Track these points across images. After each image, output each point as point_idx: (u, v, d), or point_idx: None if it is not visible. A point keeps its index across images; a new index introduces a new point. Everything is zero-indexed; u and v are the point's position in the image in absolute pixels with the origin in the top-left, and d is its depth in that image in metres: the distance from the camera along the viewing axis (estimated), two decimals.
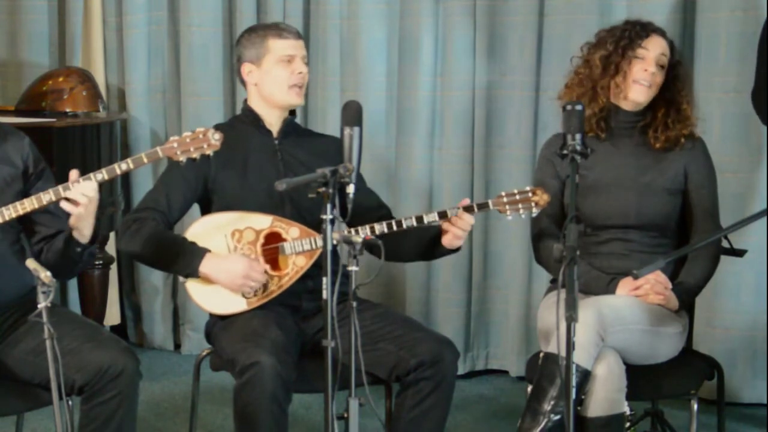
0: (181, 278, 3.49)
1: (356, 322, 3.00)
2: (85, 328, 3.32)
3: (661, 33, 3.61)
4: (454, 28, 4.85)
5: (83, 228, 3.21)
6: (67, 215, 3.17)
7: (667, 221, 3.59)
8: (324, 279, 2.93)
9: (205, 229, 3.49)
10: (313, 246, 3.45)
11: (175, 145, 3.17)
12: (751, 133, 4.47)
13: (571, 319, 2.88)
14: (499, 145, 4.92)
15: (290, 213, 3.53)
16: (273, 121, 3.65)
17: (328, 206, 2.94)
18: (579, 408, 3.29)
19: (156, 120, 5.33)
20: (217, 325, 3.51)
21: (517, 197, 3.44)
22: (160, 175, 3.66)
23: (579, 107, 3.16)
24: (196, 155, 3.17)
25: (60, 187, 3.14)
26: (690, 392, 3.50)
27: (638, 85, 3.55)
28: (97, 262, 4.86)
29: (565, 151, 3.15)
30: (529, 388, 3.44)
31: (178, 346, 5.41)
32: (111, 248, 4.96)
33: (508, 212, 3.45)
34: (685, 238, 3.63)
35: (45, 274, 2.85)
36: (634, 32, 3.58)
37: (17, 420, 3.59)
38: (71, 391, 3.17)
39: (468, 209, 3.44)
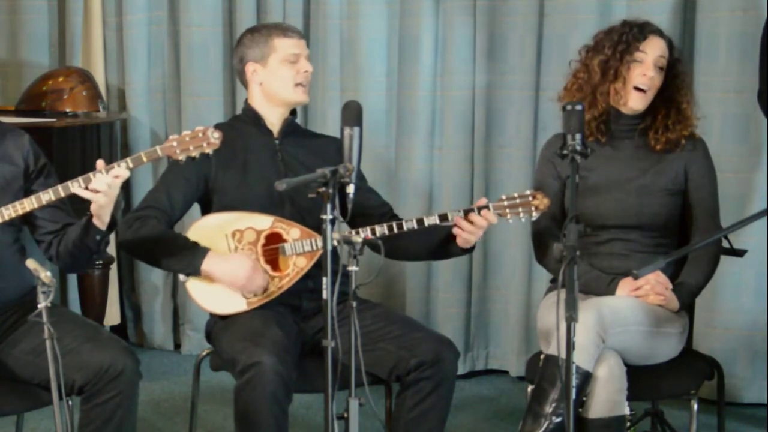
0: (181, 278, 3.49)
1: (356, 322, 3.00)
2: (85, 328, 3.32)
3: (659, 33, 3.60)
4: (454, 28, 4.85)
5: (103, 215, 3.21)
6: (86, 204, 3.18)
7: (667, 221, 3.59)
8: (324, 279, 2.93)
9: (206, 229, 3.49)
10: (314, 247, 3.45)
11: (175, 144, 3.16)
12: (751, 133, 4.47)
13: (571, 319, 2.88)
14: (499, 145, 4.92)
15: (290, 213, 3.53)
16: (274, 121, 3.65)
17: (328, 206, 2.94)
18: (580, 409, 3.29)
19: (156, 120, 5.33)
20: (218, 324, 3.51)
21: (518, 201, 3.44)
22: (160, 174, 3.66)
23: (579, 107, 3.17)
24: (195, 154, 3.17)
25: (80, 179, 3.14)
26: (690, 392, 3.50)
27: (637, 92, 3.54)
28: (97, 262, 4.86)
29: (565, 151, 3.15)
30: (529, 389, 3.45)
31: (178, 346, 5.41)
32: (111, 248, 4.96)
33: (509, 216, 3.45)
34: (686, 239, 3.63)
35: (45, 274, 2.85)
36: (632, 35, 3.56)
37: (17, 420, 3.59)
38: (71, 391, 3.17)
39: (468, 212, 3.44)
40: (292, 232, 3.48)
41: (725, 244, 3.59)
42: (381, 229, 3.42)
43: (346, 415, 3.02)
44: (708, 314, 4.53)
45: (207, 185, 3.57)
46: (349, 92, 4.92)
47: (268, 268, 3.46)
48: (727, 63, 4.47)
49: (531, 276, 4.84)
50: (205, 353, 3.62)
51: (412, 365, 3.38)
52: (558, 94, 3.68)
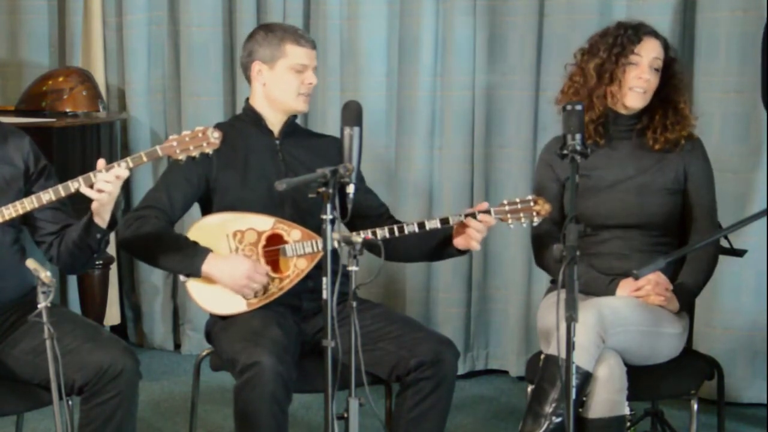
0: (181, 278, 3.49)
1: (356, 322, 3.00)
2: (85, 328, 3.32)
3: (654, 34, 3.60)
4: (454, 28, 4.85)
5: (104, 213, 3.22)
6: (86, 204, 3.18)
7: (667, 221, 3.59)
8: (324, 279, 2.93)
9: (206, 229, 3.49)
10: (315, 249, 3.45)
11: (175, 143, 3.17)
12: (751, 133, 4.47)
13: (571, 319, 2.88)
14: (499, 145, 4.92)
15: (291, 213, 3.53)
16: (274, 121, 3.65)
17: (328, 206, 2.94)
18: (580, 409, 3.29)
19: (156, 120, 5.33)
20: (218, 324, 3.51)
21: (519, 206, 3.45)
22: (160, 174, 3.66)
23: (579, 107, 3.16)
24: (195, 154, 3.17)
25: (81, 179, 3.15)
26: (690, 392, 3.50)
27: (633, 92, 3.54)
28: (97, 262, 4.86)
29: (565, 152, 3.15)
30: (529, 389, 3.45)
31: (178, 346, 5.41)
32: (111, 248, 4.96)
33: (510, 221, 3.45)
34: (685, 238, 3.63)
35: (45, 274, 2.85)
36: (626, 38, 3.56)
37: (17, 420, 3.59)
38: (71, 391, 3.17)
39: (470, 217, 3.44)
40: (293, 233, 3.48)
41: (725, 244, 3.60)
42: (382, 232, 3.42)
43: (346, 415, 3.02)
44: (708, 314, 4.53)
45: (208, 185, 3.57)
46: (349, 92, 4.92)
47: (268, 269, 3.46)
48: (727, 63, 4.47)
49: (531, 276, 4.84)
50: (205, 353, 3.62)
51: (412, 365, 3.38)
52: (555, 97, 3.69)
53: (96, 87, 5.10)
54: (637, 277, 3.29)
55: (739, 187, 4.47)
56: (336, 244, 2.98)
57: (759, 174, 4.48)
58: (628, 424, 3.40)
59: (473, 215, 3.43)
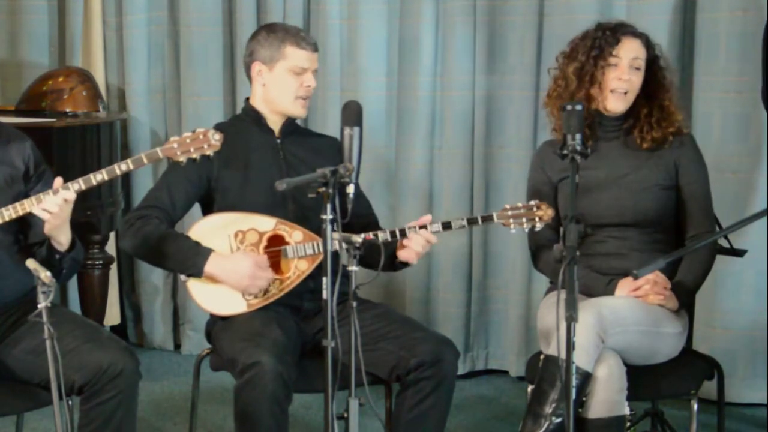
0: (182, 277, 3.49)
1: (356, 322, 3.00)
2: (85, 328, 3.32)
3: (633, 33, 3.59)
4: (454, 28, 4.85)
5: (57, 236, 3.22)
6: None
7: (662, 217, 3.59)
8: (324, 279, 2.93)
9: (208, 229, 3.49)
10: (316, 250, 3.45)
11: (175, 145, 3.17)
12: (751, 133, 4.47)
13: (571, 319, 2.88)
14: (499, 145, 4.92)
15: (293, 212, 3.53)
16: (274, 121, 3.65)
17: (328, 206, 2.94)
18: (580, 410, 3.29)
19: (156, 120, 5.33)
20: (218, 324, 3.51)
21: (522, 210, 3.45)
22: (162, 173, 3.66)
23: (579, 107, 3.16)
24: (196, 155, 3.18)
25: (33, 198, 3.14)
26: (690, 392, 3.50)
27: (614, 94, 3.54)
28: (97, 262, 4.87)
29: (565, 151, 3.15)
30: (530, 389, 3.45)
31: (178, 346, 5.41)
32: (111, 248, 4.97)
33: (512, 226, 3.46)
34: (682, 234, 3.63)
35: (45, 274, 2.85)
36: (605, 40, 3.56)
37: (17, 420, 3.59)
38: (71, 391, 3.17)
39: (472, 222, 3.45)
40: (295, 234, 3.48)
41: (725, 244, 3.59)
42: (384, 235, 3.42)
43: (346, 415, 3.02)
44: (708, 314, 4.53)
45: (209, 184, 3.57)
46: (349, 92, 4.92)
47: (271, 272, 3.45)
48: (727, 63, 4.47)
49: (531, 276, 4.84)
50: (205, 353, 3.62)
51: (412, 365, 3.38)
52: (543, 100, 3.69)
53: (96, 87, 5.10)
54: (636, 277, 3.29)
55: (739, 187, 4.47)
56: (336, 245, 2.98)
57: (759, 174, 4.48)
58: (628, 424, 3.40)
59: (421, 227, 3.42)
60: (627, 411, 3.35)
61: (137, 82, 5.28)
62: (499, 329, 5.03)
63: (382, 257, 3.28)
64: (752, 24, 4.35)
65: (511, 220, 3.45)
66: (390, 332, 3.46)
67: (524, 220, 3.45)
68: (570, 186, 3.11)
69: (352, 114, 3.22)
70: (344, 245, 3.02)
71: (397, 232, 3.43)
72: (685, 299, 3.55)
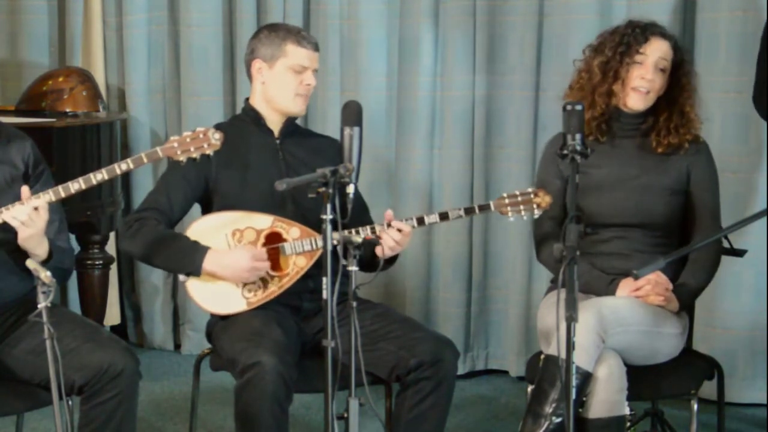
0: (181, 278, 3.49)
1: (356, 322, 3.00)
2: (85, 328, 3.32)
3: (663, 35, 3.58)
4: (454, 28, 4.85)
5: (32, 248, 3.19)
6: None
7: (668, 221, 3.58)
8: (324, 279, 2.93)
9: (205, 229, 3.49)
10: (314, 246, 3.44)
11: (175, 145, 3.17)
12: (751, 133, 4.47)
13: (571, 319, 2.88)
14: (499, 145, 4.92)
15: (292, 212, 3.53)
16: (274, 121, 3.65)
17: (328, 206, 2.94)
18: (580, 410, 3.29)
19: (156, 120, 5.33)
20: (218, 324, 3.51)
21: (519, 198, 3.45)
22: (161, 175, 3.66)
23: (579, 107, 3.16)
24: (196, 155, 3.17)
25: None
26: (690, 392, 3.50)
27: (636, 92, 3.54)
28: (97, 262, 4.87)
29: (565, 151, 3.15)
30: (530, 389, 3.45)
31: (178, 346, 5.41)
32: (111, 248, 4.97)
33: (510, 214, 3.45)
34: (687, 240, 3.62)
35: (45, 274, 2.85)
36: (633, 37, 3.55)
37: (17, 420, 3.59)
38: (71, 391, 3.17)
39: (469, 211, 3.45)
40: (292, 231, 3.48)
41: (725, 244, 3.59)
42: (381, 229, 3.42)
43: (346, 415, 3.02)
44: (708, 314, 4.53)
45: (207, 185, 3.57)
46: (349, 92, 4.92)
47: (268, 262, 3.45)
48: (727, 63, 4.47)
49: (531, 276, 4.84)
50: (205, 353, 3.62)
51: (412, 365, 3.38)
52: (564, 92, 3.67)
53: (96, 87, 5.10)
54: (636, 277, 3.29)
55: (739, 187, 4.47)
56: (336, 244, 2.98)
57: (759, 174, 4.48)
58: (628, 424, 3.40)
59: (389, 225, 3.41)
60: (627, 411, 3.34)
61: (137, 82, 5.28)
62: (499, 329, 5.03)
63: (382, 261, 3.29)
64: (752, 24, 4.35)
65: (509, 209, 3.45)
66: (390, 332, 3.46)
67: (522, 208, 3.44)
68: (570, 186, 3.11)
69: (352, 114, 3.22)
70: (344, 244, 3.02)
71: (368, 231, 3.41)
72: (686, 301, 3.55)
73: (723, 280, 4.45)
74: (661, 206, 3.57)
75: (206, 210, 3.62)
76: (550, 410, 3.27)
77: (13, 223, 3.11)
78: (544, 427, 3.27)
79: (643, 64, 3.53)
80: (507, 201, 3.45)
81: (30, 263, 2.94)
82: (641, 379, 3.40)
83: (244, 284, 3.45)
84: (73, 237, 3.62)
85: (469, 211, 3.46)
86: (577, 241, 2.92)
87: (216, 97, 5.19)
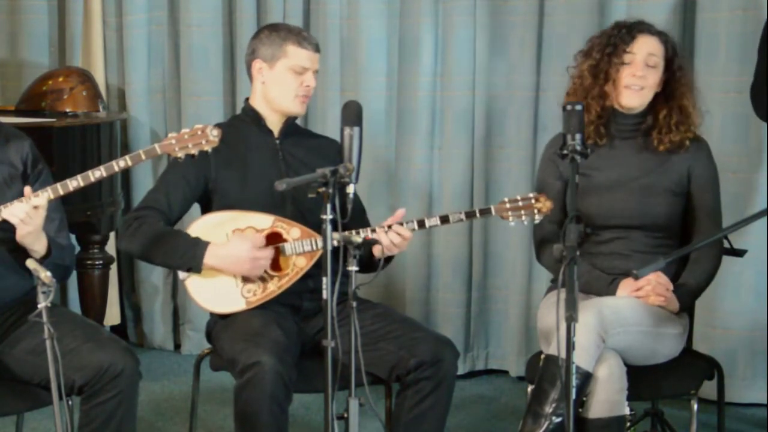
0: (181, 276, 3.48)
1: (356, 322, 3.00)
2: (85, 328, 3.32)
3: (650, 31, 3.59)
4: (454, 28, 4.85)
5: (30, 245, 3.21)
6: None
7: (669, 222, 3.58)
8: (324, 279, 2.93)
9: (206, 228, 3.49)
10: (314, 247, 3.44)
11: (173, 141, 3.16)
12: (751, 133, 4.47)
13: (572, 319, 2.88)
14: (499, 145, 4.92)
15: (291, 213, 3.52)
16: (274, 121, 3.65)
17: (328, 206, 2.94)
18: (580, 410, 3.29)
19: (156, 120, 5.33)
20: (218, 324, 3.51)
21: (520, 203, 3.45)
22: (160, 174, 3.66)
23: (579, 107, 3.17)
24: (194, 152, 3.17)
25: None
26: (690, 392, 3.50)
27: (629, 90, 3.54)
28: (97, 262, 4.87)
29: (565, 152, 3.15)
30: (530, 389, 3.45)
31: (178, 346, 5.41)
32: (111, 248, 4.96)
33: (511, 218, 3.45)
34: (688, 240, 3.62)
35: (45, 274, 2.85)
36: (620, 38, 3.56)
37: (17, 420, 3.59)
38: (71, 391, 3.17)
39: (470, 215, 3.45)
40: (293, 231, 3.48)
41: (725, 244, 3.59)
42: (381, 230, 3.42)
43: (346, 415, 3.02)
44: (708, 314, 4.53)
45: (207, 185, 3.57)
46: (349, 92, 4.92)
47: (267, 267, 3.46)
48: (727, 63, 4.47)
49: (531, 276, 4.84)
50: (205, 353, 3.62)
51: (412, 365, 3.38)
52: (562, 99, 3.68)
53: (96, 87, 5.10)
54: (637, 277, 3.29)
55: (739, 187, 4.47)
56: (336, 244, 2.98)
57: (759, 174, 4.48)
58: (628, 424, 3.40)
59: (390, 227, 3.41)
60: (627, 411, 3.34)
61: (137, 82, 5.28)
62: (499, 329, 5.03)
63: (382, 261, 3.29)
64: (752, 24, 4.35)
65: (510, 213, 3.45)
66: (390, 332, 3.46)
67: (523, 213, 3.45)
68: (570, 186, 3.11)
69: (352, 114, 3.22)
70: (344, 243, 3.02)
71: (369, 232, 3.41)
72: (686, 302, 3.55)
73: (723, 280, 4.44)
74: (662, 207, 3.57)
75: (205, 210, 3.62)
76: (550, 410, 3.27)
77: (13, 220, 3.12)
78: (544, 427, 3.27)
79: (632, 63, 3.54)
80: (508, 206, 3.45)
81: (30, 263, 2.94)
82: (641, 379, 3.40)
83: (244, 284, 3.45)
84: (73, 237, 3.61)
85: (470, 215, 3.46)
86: (577, 241, 2.92)
87: (216, 97, 5.19)
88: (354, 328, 2.99)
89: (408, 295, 5.04)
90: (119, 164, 3.16)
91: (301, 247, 3.46)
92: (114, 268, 5.11)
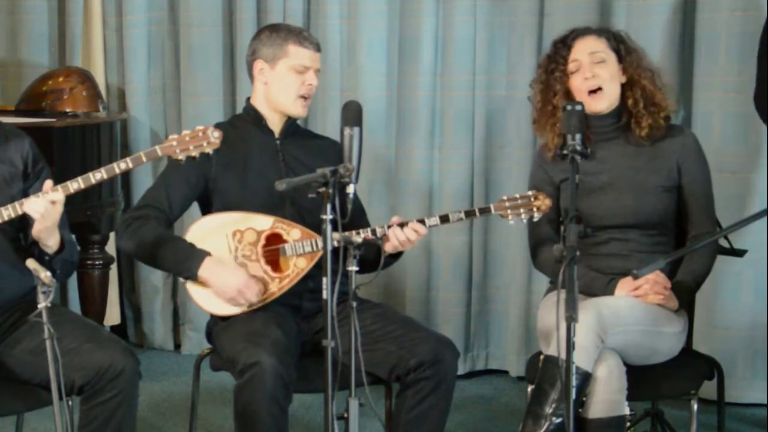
0: (181, 278, 3.49)
1: (356, 322, 3.00)
2: (85, 328, 3.32)
3: (585, 32, 3.61)
4: (454, 28, 4.85)
5: (45, 239, 3.22)
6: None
7: (664, 219, 3.59)
8: (324, 279, 2.93)
9: (206, 229, 3.49)
10: (314, 248, 3.44)
11: (175, 143, 3.17)
12: (751, 133, 4.46)
13: (571, 319, 2.88)
14: (499, 145, 4.92)
15: (291, 213, 3.52)
16: (275, 121, 3.65)
17: (328, 206, 2.94)
18: (580, 410, 3.29)
19: (156, 120, 5.33)
20: (218, 325, 3.51)
21: (519, 202, 3.45)
22: (160, 172, 3.66)
23: (579, 107, 3.17)
24: (195, 153, 3.17)
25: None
26: (690, 392, 3.50)
27: (588, 95, 3.54)
28: (97, 262, 4.87)
29: (565, 152, 3.15)
30: (529, 389, 3.45)
31: (178, 346, 5.41)
32: (111, 248, 4.97)
33: (510, 217, 3.46)
34: (684, 236, 3.63)
35: (45, 274, 2.85)
36: (557, 52, 3.60)
37: (17, 420, 3.59)
38: (71, 391, 3.17)
39: (470, 214, 3.45)
40: (293, 232, 3.48)
41: (725, 244, 3.59)
42: (381, 230, 3.42)
43: (346, 415, 3.02)
44: (708, 314, 4.53)
45: (207, 185, 3.56)
46: (349, 92, 4.92)
47: (268, 268, 3.46)
48: (727, 63, 4.46)
49: (531, 276, 4.84)
50: (205, 353, 3.62)
51: (412, 365, 3.38)
52: (534, 127, 3.73)
53: (96, 87, 5.10)
54: (636, 277, 3.29)
55: (739, 187, 4.47)
56: (336, 244, 2.98)
57: (759, 174, 4.48)
58: (628, 424, 3.40)
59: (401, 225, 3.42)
60: (627, 411, 3.34)
61: (137, 82, 5.28)
62: (499, 329, 5.03)
63: (383, 256, 3.29)
64: (752, 24, 4.35)
65: (509, 212, 3.45)
66: (390, 332, 3.46)
67: (522, 211, 3.45)
68: (570, 186, 3.11)
69: (352, 114, 3.22)
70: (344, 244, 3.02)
71: (385, 229, 3.42)
72: (685, 299, 3.55)
73: (723, 280, 4.45)
74: (656, 204, 3.57)
75: (205, 209, 3.62)
76: (550, 410, 3.27)
77: (33, 214, 3.12)
78: (544, 428, 3.27)
79: (580, 69, 3.55)
80: (507, 204, 3.45)
81: (30, 263, 2.94)
82: (641, 379, 3.40)
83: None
84: (72, 237, 3.61)
85: (469, 213, 3.46)
86: (577, 241, 2.92)
87: (216, 97, 5.19)
88: (354, 328, 2.99)
89: (408, 295, 5.04)
90: (120, 166, 3.16)
91: (302, 248, 3.46)
92: (114, 268, 5.11)
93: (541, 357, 3.41)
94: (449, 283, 4.97)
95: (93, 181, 3.16)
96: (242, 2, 5.09)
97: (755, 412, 4.54)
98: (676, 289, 3.50)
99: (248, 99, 3.69)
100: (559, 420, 3.25)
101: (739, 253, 3.64)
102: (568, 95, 3.57)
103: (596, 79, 3.54)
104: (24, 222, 3.31)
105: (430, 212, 4.90)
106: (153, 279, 5.35)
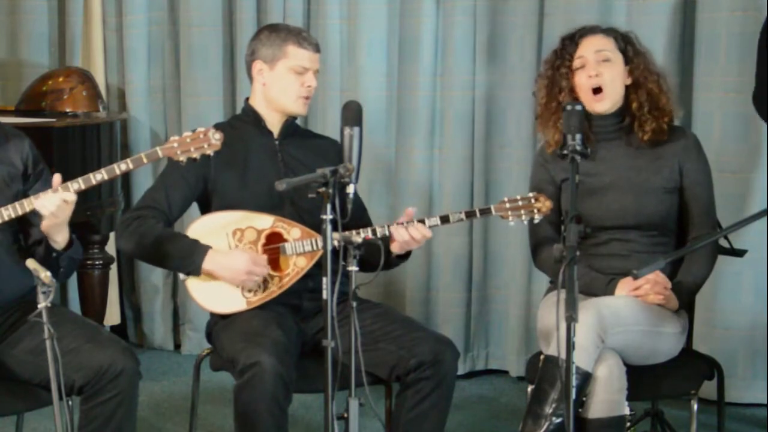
0: (181, 276, 3.49)
1: (356, 322, 3.00)
2: (85, 328, 3.32)
3: (594, 31, 3.61)
4: (454, 28, 4.85)
5: (54, 235, 3.22)
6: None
7: (665, 220, 3.59)
8: (324, 279, 2.93)
9: (206, 228, 3.49)
10: (314, 247, 3.45)
11: (175, 145, 3.17)
12: (751, 133, 4.47)
13: (571, 319, 2.88)
14: (499, 145, 4.92)
15: (290, 213, 3.52)
16: (274, 122, 3.65)
17: (328, 206, 2.94)
18: (580, 410, 3.29)
19: (156, 120, 5.33)
20: (218, 324, 3.51)
21: (520, 203, 3.45)
22: (160, 173, 3.66)
23: (579, 107, 3.17)
24: (196, 155, 3.18)
25: (29, 199, 3.15)
26: (690, 392, 3.50)
27: (591, 95, 3.54)
28: (97, 262, 4.87)
29: (565, 152, 3.15)
30: (530, 389, 3.45)
31: (178, 346, 5.41)
32: (111, 248, 4.97)
33: (511, 218, 3.46)
34: (684, 237, 3.63)
35: (45, 274, 2.85)
36: (565, 49, 3.59)
37: (17, 420, 3.59)
38: (71, 391, 3.17)
39: (470, 215, 3.45)
40: (293, 231, 3.48)
41: (725, 244, 3.59)
42: (382, 230, 3.42)
43: (346, 415, 3.02)
44: (708, 314, 4.53)
45: (206, 186, 3.57)
46: (349, 92, 4.92)
47: (268, 267, 3.46)
48: (727, 63, 4.47)
49: (531, 276, 4.84)
50: (205, 353, 3.62)
51: (412, 365, 3.38)
52: (536, 125, 3.73)
53: (96, 87, 5.10)
54: (636, 277, 3.29)
55: (739, 187, 4.47)
56: (336, 244, 2.98)
57: (759, 174, 4.48)
58: (628, 424, 3.40)
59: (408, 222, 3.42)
60: (627, 411, 3.34)
61: (137, 82, 5.28)
62: (499, 329, 5.03)
63: (383, 256, 3.28)
64: (752, 24, 4.35)
65: (510, 213, 3.45)
66: (390, 332, 3.46)
67: (523, 212, 3.45)
68: (570, 186, 3.11)
69: (352, 114, 3.22)
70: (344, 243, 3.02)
71: (386, 229, 3.42)
72: (685, 299, 3.55)
73: (723, 280, 4.45)
74: (657, 205, 3.57)
75: (204, 210, 3.62)
76: (550, 410, 3.27)
77: (44, 212, 3.12)
78: (544, 428, 3.27)
79: (585, 66, 3.55)
80: (508, 205, 3.46)
81: (30, 263, 2.94)
82: (641, 379, 3.40)
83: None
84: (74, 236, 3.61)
85: (470, 214, 3.46)
86: (577, 241, 2.92)
87: (216, 97, 5.19)
88: (354, 328, 2.99)
89: (408, 295, 5.04)
90: (120, 167, 3.16)
91: (302, 247, 3.46)
92: (114, 268, 5.11)
93: (541, 357, 3.41)
94: (449, 283, 4.97)
95: (93, 182, 3.16)
96: (242, 2, 5.10)
97: (755, 412, 4.54)
98: (677, 289, 3.50)
99: (247, 99, 3.69)
100: (559, 420, 3.25)
101: (739, 253, 3.64)
102: (573, 92, 3.57)
103: (599, 79, 3.54)
104: (24, 222, 3.31)
105: (430, 212, 4.90)
106: (153, 279, 5.35)
